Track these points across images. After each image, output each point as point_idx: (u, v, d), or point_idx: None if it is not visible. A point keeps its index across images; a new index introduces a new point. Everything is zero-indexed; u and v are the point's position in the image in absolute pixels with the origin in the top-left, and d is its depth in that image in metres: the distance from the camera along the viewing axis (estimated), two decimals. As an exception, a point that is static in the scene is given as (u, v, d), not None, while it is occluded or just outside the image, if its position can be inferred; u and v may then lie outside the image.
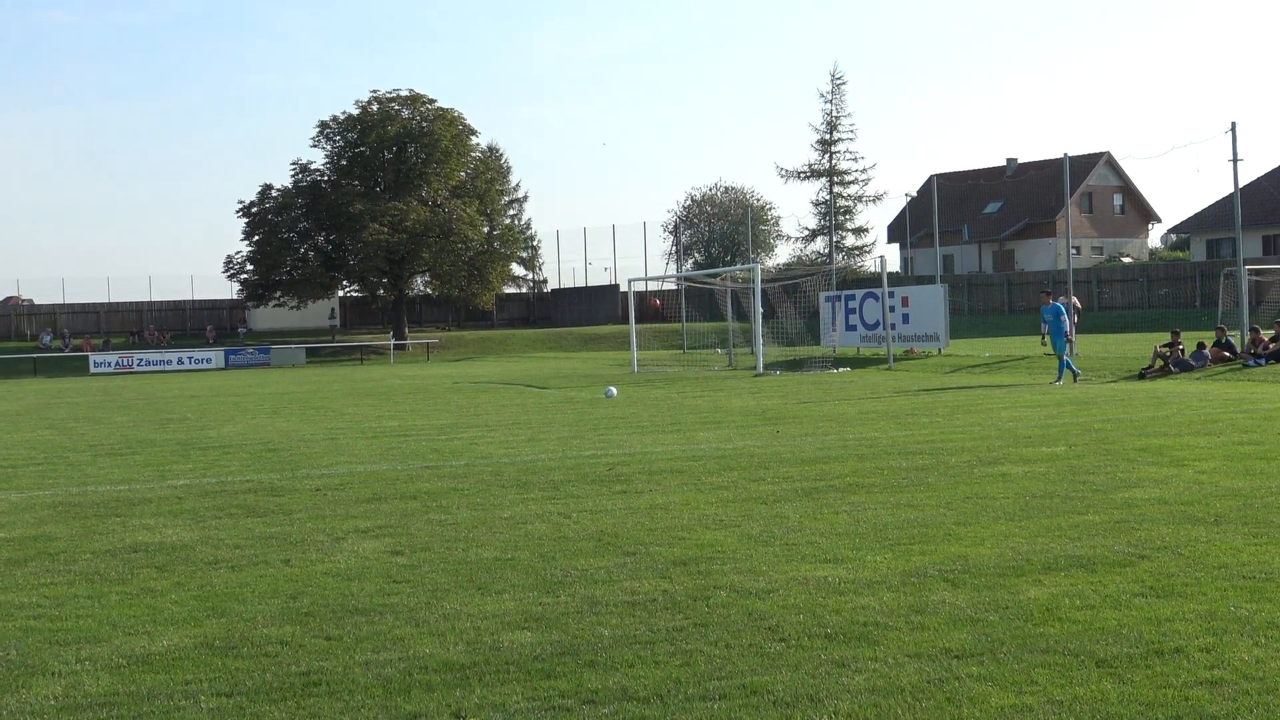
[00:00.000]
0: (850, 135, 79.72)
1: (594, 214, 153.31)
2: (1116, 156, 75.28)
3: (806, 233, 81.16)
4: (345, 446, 16.37)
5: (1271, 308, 37.41)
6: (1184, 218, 71.60)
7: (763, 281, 36.38)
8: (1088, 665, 5.64)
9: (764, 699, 5.33)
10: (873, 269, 69.90)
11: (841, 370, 32.73)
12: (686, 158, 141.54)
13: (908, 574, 7.52)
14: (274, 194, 61.99)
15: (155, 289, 70.81)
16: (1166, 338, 27.82)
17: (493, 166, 69.43)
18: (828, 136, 78.88)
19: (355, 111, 62.08)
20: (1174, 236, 78.86)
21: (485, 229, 64.61)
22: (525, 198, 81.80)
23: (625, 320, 47.53)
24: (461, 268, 62.35)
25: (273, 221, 60.98)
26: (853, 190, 79.52)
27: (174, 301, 69.77)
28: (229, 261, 62.68)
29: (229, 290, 67.87)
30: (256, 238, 60.96)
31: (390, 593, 7.46)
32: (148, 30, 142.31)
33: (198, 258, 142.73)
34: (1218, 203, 66.40)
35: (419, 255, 60.49)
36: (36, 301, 69.64)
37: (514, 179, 78.80)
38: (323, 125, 62.39)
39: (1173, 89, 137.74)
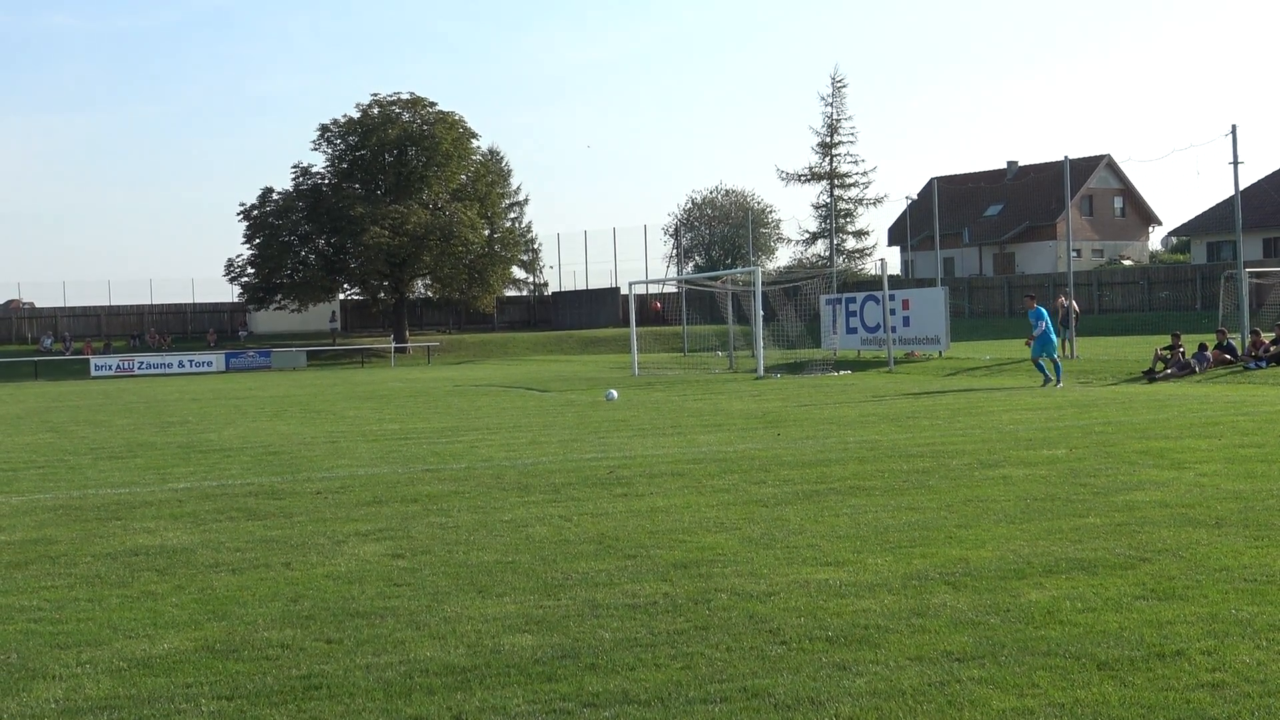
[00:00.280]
0: (851, 138, 79.88)
1: (595, 217, 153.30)
2: (1117, 159, 75.41)
3: (807, 236, 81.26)
4: (346, 449, 16.37)
5: (1272, 310, 37.41)
6: (1184, 220, 71.67)
7: (763, 284, 36.38)
8: (1089, 668, 5.63)
9: (765, 702, 5.32)
10: (873, 272, 69.93)
11: (842, 373, 32.73)
12: (687, 161, 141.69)
13: (909, 577, 7.51)
14: (275, 197, 62.00)
15: (156, 292, 70.89)
16: (1167, 340, 27.82)
17: (493, 170, 69.45)
18: (828, 139, 78.95)
19: (356, 115, 62.10)
20: (1174, 239, 78.85)
21: (486, 232, 64.61)
22: (526, 201, 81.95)
23: (626, 323, 47.51)
24: (462, 271, 62.35)
25: (274, 225, 60.99)
26: (853, 193, 79.61)
27: (175, 305, 69.78)
28: (230, 265, 62.73)
29: (230, 293, 67.96)
30: (257, 241, 60.96)
31: (391, 596, 7.46)
32: (148, 34, 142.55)
33: (199, 261, 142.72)
34: (1218, 205, 66.41)
35: (420, 258, 60.48)
36: (37, 304, 69.67)
37: (515, 182, 78.90)
38: (324, 128, 62.42)
39: (1173, 92, 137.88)
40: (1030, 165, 77.52)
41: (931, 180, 45.19)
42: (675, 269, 78.38)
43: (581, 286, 76.32)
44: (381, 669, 5.96)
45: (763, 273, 38.29)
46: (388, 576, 8.00)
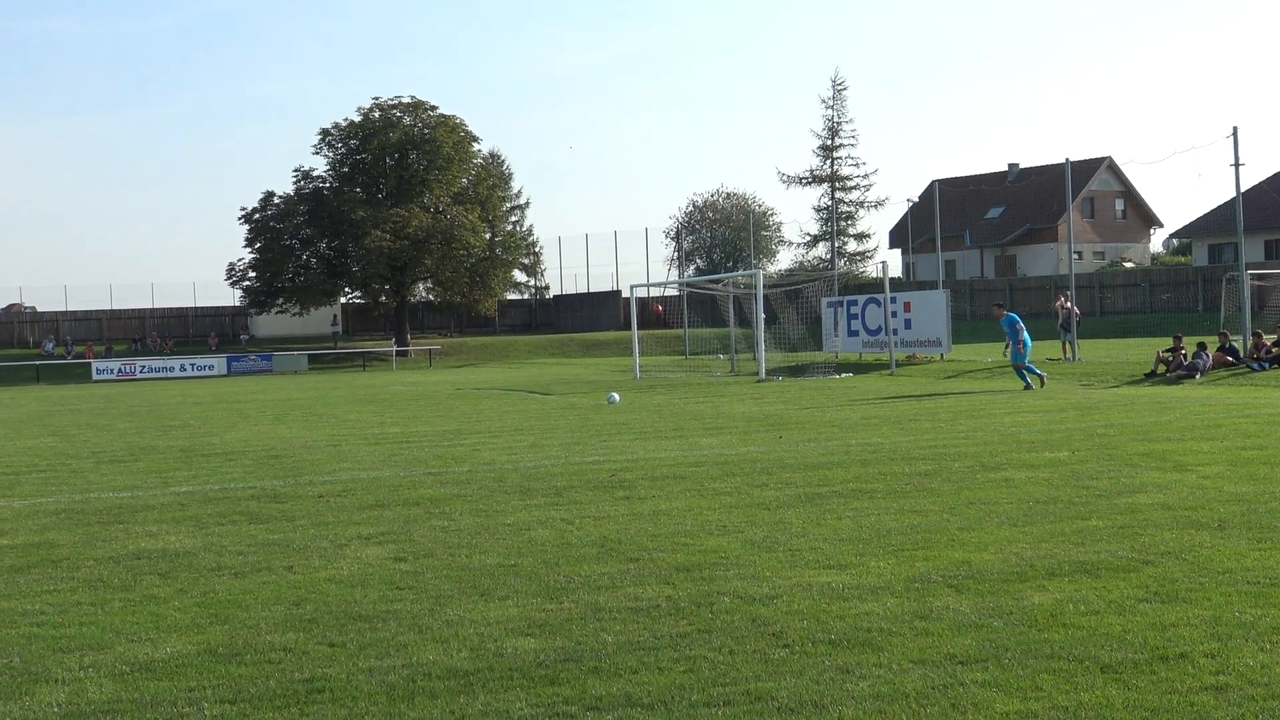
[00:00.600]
0: (852, 141, 79.93)
1: (596, 220, 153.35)
2: (1118, 161, 75.36)
3: (808, 238, 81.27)
4: (348, 453, 16.37)
5: (1274, 312, 37.40)
6: (1186, 222, 71.59)
7: (765, 287, 36.37)
8: (1092, 671, 5.63)
9: (768, 705, 5.32)
10: (875, 274, 69.88)
11: (844, 376, 32.72)
12: (688, 163, 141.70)
13: (911, 580, 7.51)
14: (276, 201, 62.03)
15: (158, 296, 71.03)
16: (1169, 343, 27.81)
17: (494, 173, 69.48)
18: (829, 142, 78.99)
19: (357, 118, 62.14)
20: (1176, 241, 78.85)
21: (487, 235, 64.65)
22: (527, 204, 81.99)
23: (627, 326, 47.56)
24: (464, 274, 62.37)
25: (275, 228, 61.04)
26: (854, 196, 79.66)
27: (176, 308, 69.85)
28: (231, 268, 62.76)
29: (231, 297, 68.08)
30: (259, 244, 61.01)
31: (393, 599, 7.46)
32: (150, 38, 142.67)
33: (200, 265, 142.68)
34: (1220, 207, 66.39)
35: (421, 262, 60.49)
36: (39, 308, 69.76)
37: (516, 185, 78.96)
38: (325, 132, 62.47)
39: (1174, 94, 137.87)
40: (1031, 167, 77.54)
41: (933, 182, 45.17)
42: (676, 272, 78.40)
43: (583, 289, 76.40)
44: (384, 672, 5.96)
45: (764, 275, 38.27)
46: (390, 580, 8.00)
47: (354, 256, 60.32)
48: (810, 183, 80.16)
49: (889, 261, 42.39)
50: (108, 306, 69.01)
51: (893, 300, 35.80)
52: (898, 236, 77.65)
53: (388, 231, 58.71)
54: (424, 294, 67.24)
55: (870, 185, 79.93)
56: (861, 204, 79.69)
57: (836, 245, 76.94)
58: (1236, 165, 28.80)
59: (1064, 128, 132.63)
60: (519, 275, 74.64)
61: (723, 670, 5.82)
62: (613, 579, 7.80)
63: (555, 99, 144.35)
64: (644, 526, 9.67)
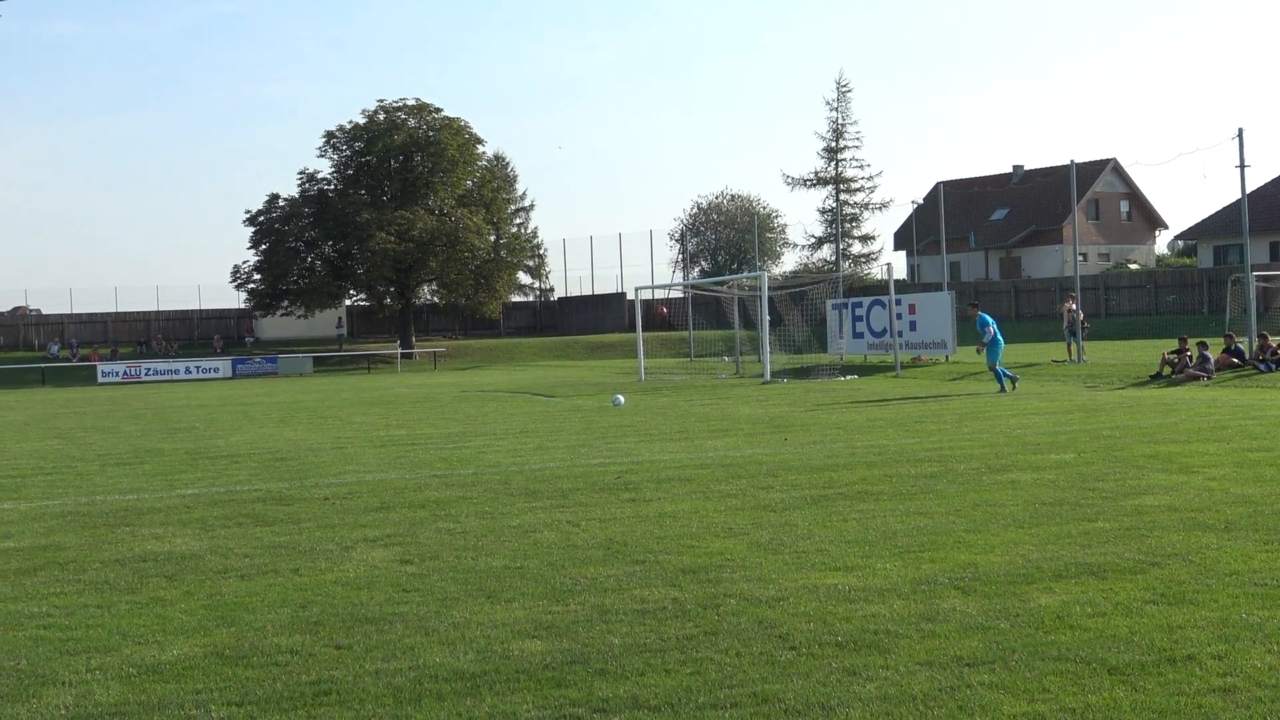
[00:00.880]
0: (856, 143, 79.60)
1: (600, 222, 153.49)
2: (1123, 163, 75.41)
3: (813, 240, 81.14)
4: (353, 455, 16.38)
5: (1279, 314, 37.33)
6: (1191, 224, 71.56)
7: (770, 289, 36.36)
8: (1100, 673, 5.62)
9: (775, 707, 5.32)
10: (879, 276, 69.83)
11: (849, 377, 32.70)
12: (692, 166, 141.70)
13: (918, 582, 7.50)
14: (281, 203, 62.08)
15: (162, 299, 71.07)
16: (1174, 344, 27.77)
17: (499, 175, 69.48)
18: (834, 144, 78.90)
19: (362, 121, 62.19)
20: (1181, 243, 78.75)
21: (492, 238, 64.67)
22: (532, 206, 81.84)
23: (632, 328, 47.59)
24: (468, 276, 62.40)
25: (280, 231, 61.09)
26: (859, 198, 79.49)
27: (181, 311, 69.91)
28: (236, 271, 62.82)
29: (236, 300, 68.05)
30: (264, 247, 61.05)
31: (400, 601, 7.46)
32: (154, 41, 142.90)
33: (205, 267, 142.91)
34: (1225, 209, 66.34)
35: (426, 264, 60.53)
36: (44, 311, 69.86)
37: (520, 187, 78.80)
38: (329, 135, 62.54)
39: (1179, 95, 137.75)
40: (1036, 169, 77.54)
41: (937, 184, 45.13)
42: (681, 274, 78.46)
43: (587, 292, 76.38)
44: (391, 675, 5.96)
45: (769, 277, 38.26)
46: (396, 582, 8.00)
47: (359, 259, 60.35)
48: (815, 185, 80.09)
49: (893, 263, 42.29)
50: (113, 309, 69.11)
51: (898, 302, 35.78)
52: (902, 238, 77.63)
53: (392, 234, 58.75)
54: (429, 296, 67.29)
55: (875, 187, 79.95)
56: (866, 206, 79.56)
57: (841, 247, 76.87)
58: (1242, 167, 28.78)
59: (1069, 129, 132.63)
60: (524, 277, 74.57)
61: (729, 672, 5.82)
62: (619, 581, 7.80)
63: (560, 101, 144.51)
64: (650, 529, 9.67)
